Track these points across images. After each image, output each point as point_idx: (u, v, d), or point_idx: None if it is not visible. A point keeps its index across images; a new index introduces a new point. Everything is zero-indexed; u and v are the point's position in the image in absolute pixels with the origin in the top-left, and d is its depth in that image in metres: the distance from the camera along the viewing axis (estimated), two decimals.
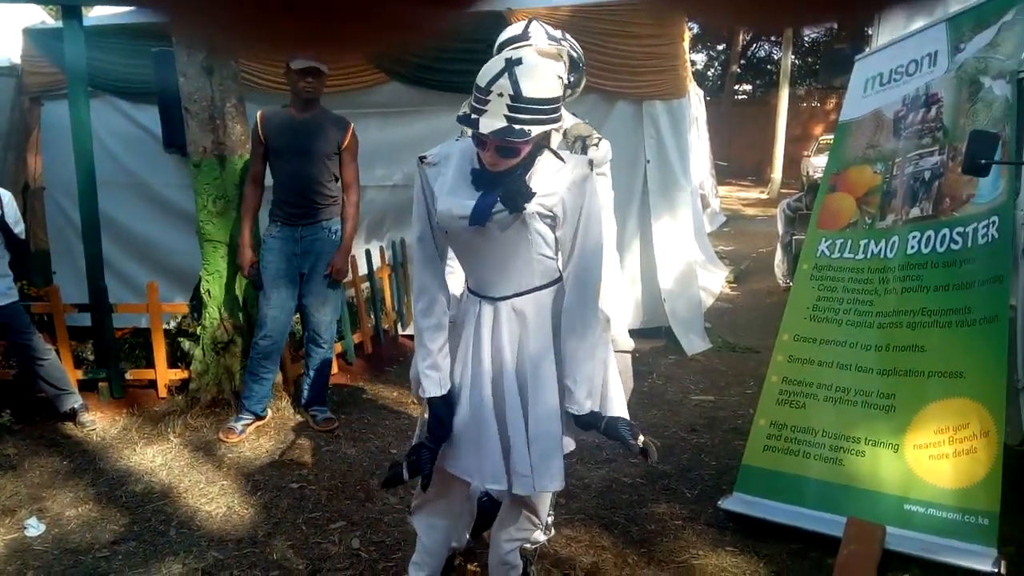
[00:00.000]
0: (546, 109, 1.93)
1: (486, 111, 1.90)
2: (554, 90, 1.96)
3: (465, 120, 1.94)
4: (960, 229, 3.24)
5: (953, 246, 3.23)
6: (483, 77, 1.92)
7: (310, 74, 3.87)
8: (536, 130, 1.92)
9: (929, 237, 3.32)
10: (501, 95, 1.89)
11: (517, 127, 1.89)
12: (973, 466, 2.86)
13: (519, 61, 1.91)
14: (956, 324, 3.08)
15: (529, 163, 2.04)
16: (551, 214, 2.04)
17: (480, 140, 1.96)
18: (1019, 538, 2.98)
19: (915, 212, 3.46)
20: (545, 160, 2.07)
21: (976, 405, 2.92)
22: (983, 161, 2.97)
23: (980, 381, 2.95)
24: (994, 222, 3.11)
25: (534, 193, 2.01)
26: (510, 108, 1.88)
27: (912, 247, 3.35)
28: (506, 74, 1.89)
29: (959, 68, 3.55)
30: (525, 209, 2.00)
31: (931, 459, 2.95)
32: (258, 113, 4.06)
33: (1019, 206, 3.11)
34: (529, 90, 1.89)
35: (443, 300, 2.20)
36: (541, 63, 1.96)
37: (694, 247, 6.44)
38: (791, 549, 3.01)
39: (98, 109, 5.31)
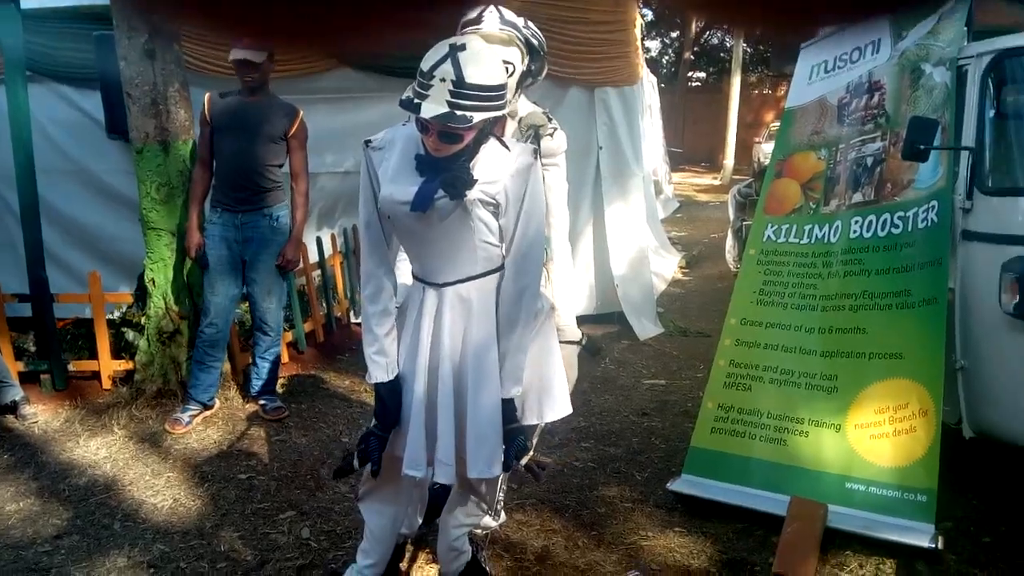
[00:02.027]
0: (489, 96, 1.91)
1: (428, 96, 1.89)
2: (498, 77, 1.95)
3: (407, 104, 1.92)
4: (901, 214, 3.31)
5: (894, 230, 3.30)
6: (426, 62, 1.91)
7: (244, 65, 3.81)
8: (478, 117, 1.90)
9: (871, 222, 3.39)
10: (444, 80, 1.88)
11: (459, 113, 1.88)
12: (912, 445, 2.93)
13: (463, 47, 1.90)
14: (896, 307, 3.15)
15: (473, 150, 2.03)
16: (494, 202, 2.04)
17: (423, 125, 1.95)
18: (956, 514, 3.08)
19: (857, 197, 3.53)
20: (490, 148, 2.07)
21: (915, 385, 2.99)
22: (922, 147, 3.04)
23: (919, 362, 3.02)
24: (933, 206, 3.18)
25: (476, 180, 2.01)
26: (452, 94, 1.87)
27: (854, 231, 3.42)
28: (449, 59, 1.88)
29: (901, 56, 3.62)
30: (466, 196, 2.00)
31: (872, 438, 3.02)
32: (206, 95, 4.00)
33: (957, 191, 3.19)
34: (472, 76, 1.88)
35: (390, 286, 2.19)
36: (485, 50, 1.95)
37: (646, 233, 6.49)
38: (737, 528, 3.06)
39: (38, 94, 5.15)
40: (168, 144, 4.10)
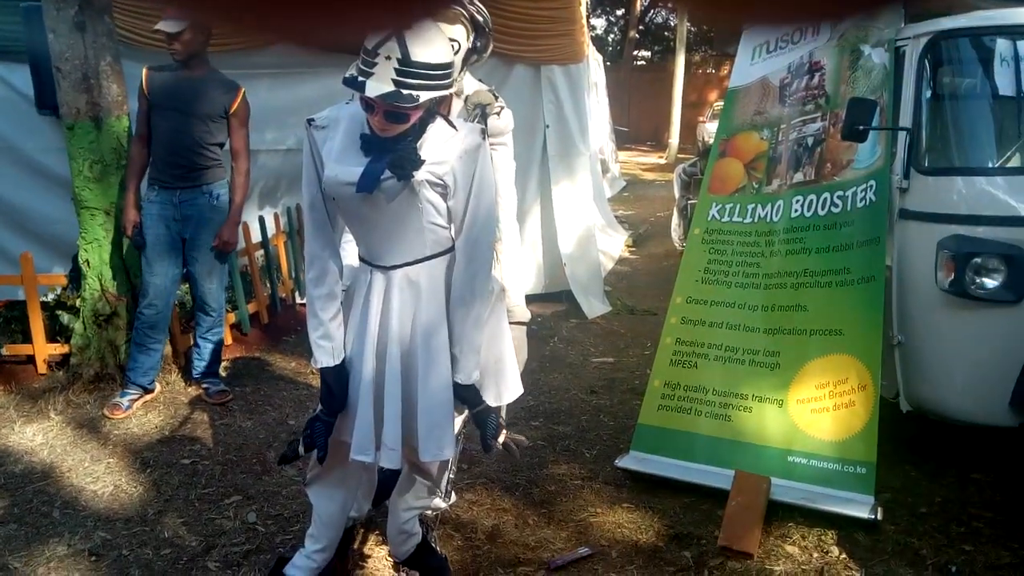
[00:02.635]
0: (436, 75, 1.88)
1: (373, 74, 1.84)
2: (445, 55, 1.91)
3: (351, 82, 1.87)
4: (840, 193, 3.37)
5: (833, 209, 3.37)
6: (370, 38, 1.85)
7: (168, 35, 3.70)
8: (425, 96, 1.87)
9: (811, 201, 3.45)
10: (389, 58, 1.83)
11: (405, 92, 1.84)
12: (851, 419, 3.01)
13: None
14: (836, 284, 3.22)
15: (420, 130, 2.00)
16: (442, 183, 2.01)
17: (368, 104, 1.90)
18: (895, 486, 3.17)
19: (799, 177, 3.58)
20: (437, 127, 2.03)
21: (854, 361, 3.07)
22: (861, 127, 3.09)
23: (858, 338, 3.10)
24: (872, 186, 3.25)
25: (423, 161, 1.98)
26: (398, 72, 1.83)
27: (796, 211, 3.48)
28: (394, 36, 1.83)
29: (840, 37, 3.67)
30: (414, 177, 1.97)
31: (813, 413, 3.09)
32: (144, 69, 3.87)
33: (894, 170, 3.26)
34: (418, 54, 1.84)
35: (335, 268, 2.15)
36: (432, 27, 1.91)
37: (593, 211, 6.52)
38: (683, 502, 3.11)
39: None
40: (101, 120, 3.96)
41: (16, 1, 4.75)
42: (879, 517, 2.85)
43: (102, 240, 4.04)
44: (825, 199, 3.40)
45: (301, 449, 2.21)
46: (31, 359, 4.30)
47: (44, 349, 4.27)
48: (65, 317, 4.29)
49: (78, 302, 4.20)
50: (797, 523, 2.94)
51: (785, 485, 3.00)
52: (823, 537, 2.86)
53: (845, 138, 3.17)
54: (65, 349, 4.26)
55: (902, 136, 3.23)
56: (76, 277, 4.25)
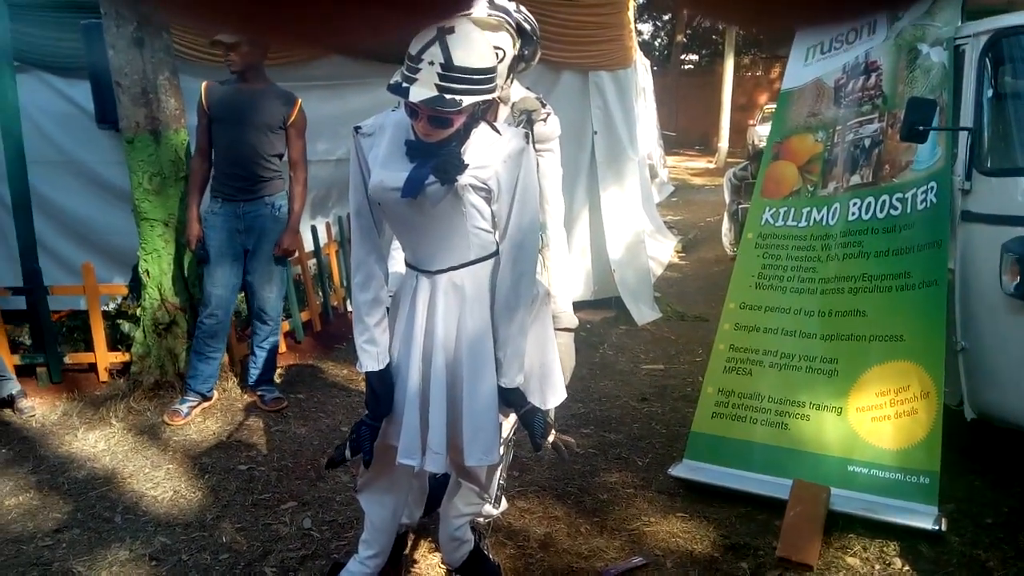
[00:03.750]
0: (478, 79, 1.89)
1: (417, 80, 1.86)
2: (487, 60, 1.92)
3: (395, 89, 1.89)
4: (899, 195, 3.29)
5: (893, 212, 3.29)
6: (415, 45, 1.88)
7: (219, 46, 3.78)
8: (468, 100, 1.88)
9: (869, 204, 3.37)
10: (432, 63, 1.85)
11: (448, 96, 1.85)
12: (914, 427, 2.93)
13: (451, 30, 1.87)
14: (896, 289, 3.14)
15: (464, 135, 2.01)
16: (485, 187, 2.02)
17: (412, 110, 1.92)
18: (959, 496, 3.08)
19: (855, 179, 3.51)
20: (481, 132, 2.04)
21: (916, 367, 2.99)
22: (921, 128, 3.02)
23: (920, 344, 3.02)
24: (932, 188, 3.17)
25: (467, 165, 1.99)
26: (441, 77, 1.85)
27: (853, 214, 3.41)
28: (437, 42, 1.85)
29: (897, 36, 3.59)
30: (457, 181, 1.98)
31: (873, 421, 3.02)
32: (203, 84, 3.96)
33: (956, 171, 3.17)
34: (461, 59, 1.85)
35: (380, 274, 2.17)
36: (474, 32, 1.92)
37: (642, 217, 6.47)
38: (739, 512, 3.06)
39: (27, 85, 5.09)
40: (159, 133, 4.06)
41: (76, 18, 4.90)
42: (943, 528, 2.77)
43: (161, 251, 4.14)
44: (884, 201, 3.32)
45: (348, 453, 2.24)
46: (93, 367, 4.42)
47: (105, 357, 4.39)
48: (126, 326, 4.40)
49: (138, 311, 4.30)
50: (858, 534, 2.87)
51: (845, 495, 2.93)
52: (885, 549, 2.79)
53: (904, 139, 3.10)
54: (126, 357, 4.36)
55: (963, 136, 3.15)
56: (136, 287, 4.35)
